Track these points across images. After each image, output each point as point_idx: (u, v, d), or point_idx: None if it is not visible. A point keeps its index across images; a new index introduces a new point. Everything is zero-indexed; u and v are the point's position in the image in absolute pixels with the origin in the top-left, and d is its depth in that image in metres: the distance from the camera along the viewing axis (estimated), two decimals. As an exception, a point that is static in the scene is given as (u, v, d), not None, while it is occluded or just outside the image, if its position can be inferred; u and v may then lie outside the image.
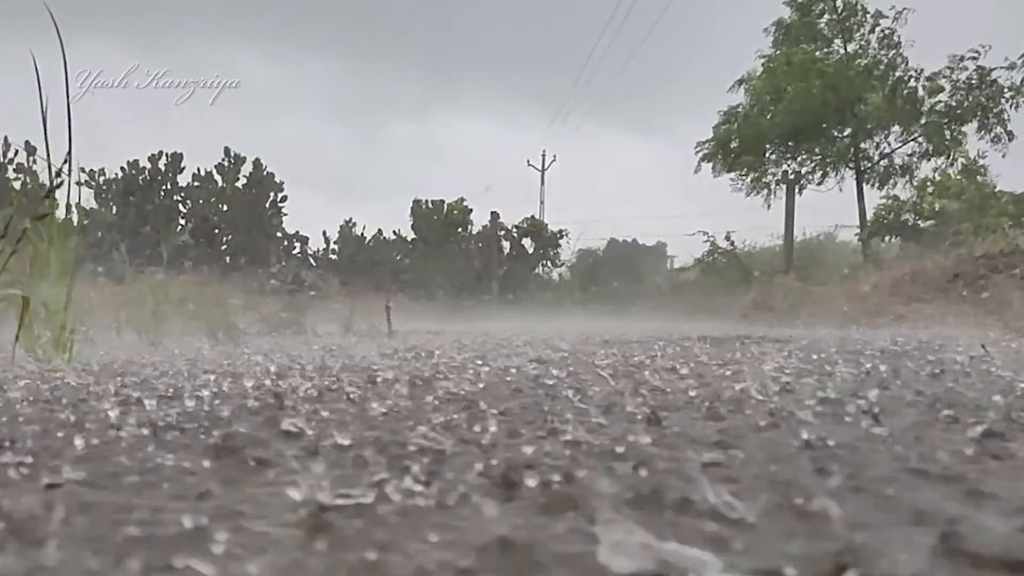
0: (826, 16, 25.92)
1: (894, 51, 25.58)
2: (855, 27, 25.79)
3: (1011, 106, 23.13)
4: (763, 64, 26.10)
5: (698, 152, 27.59)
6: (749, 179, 27.37)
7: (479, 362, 3.60)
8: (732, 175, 27.33)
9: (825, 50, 25.70)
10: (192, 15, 52.19)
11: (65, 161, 3.41)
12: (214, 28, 56.12)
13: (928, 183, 24.17)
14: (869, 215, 25.19)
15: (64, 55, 3.47)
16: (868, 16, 25.69)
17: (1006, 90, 23.04)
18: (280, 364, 3.54)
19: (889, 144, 26.24)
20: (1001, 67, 22.82)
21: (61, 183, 3.37)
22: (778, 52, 25.79)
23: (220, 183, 39.65)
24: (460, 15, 72.13)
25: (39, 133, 3.56)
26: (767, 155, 27.18)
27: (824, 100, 24.94)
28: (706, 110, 54.08)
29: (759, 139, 26.40)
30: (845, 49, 25.85)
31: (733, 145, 26.78)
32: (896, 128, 25.77)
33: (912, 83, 25.20)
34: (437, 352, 4.58)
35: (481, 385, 2.51)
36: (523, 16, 73.12)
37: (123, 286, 9.42)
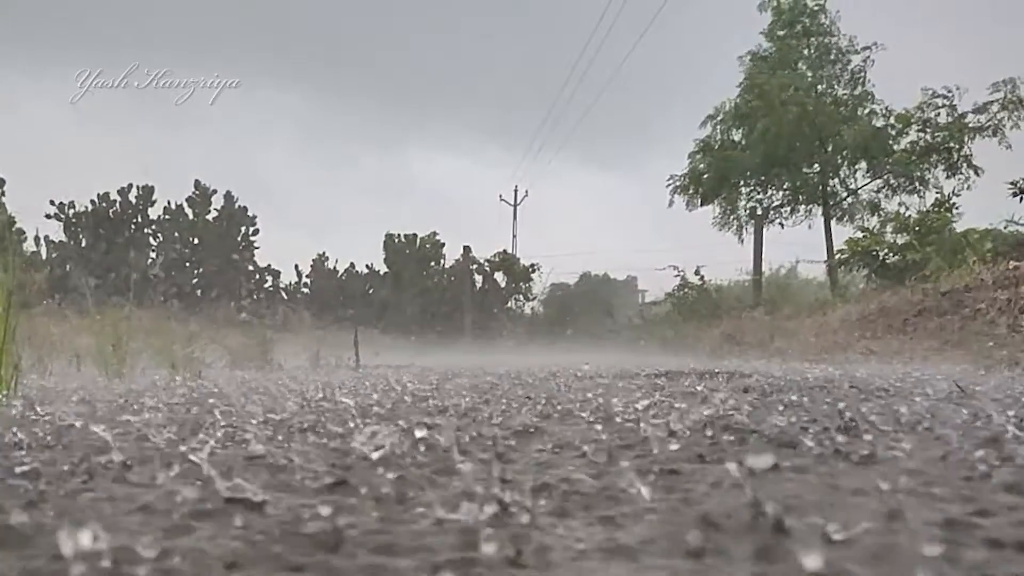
0: (803, 51, 26.30)
1: (862, 88, 26.04)
2: (827, 63, 26.20)
3: (971, 139, 23.43)
4: (741, 85, 26.28)
5: (669, 185, 27.70)
6: (720, 213, 27.58)
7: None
8: (710, 207, 27.49)
9: (798, 86, 25.86)
10: (162, 50, 52.05)
11: None
12: (186, 61, 56.03)
13: (897, 217, 24.12)
14: (837, 248, 25.25)
15: None
16: (841, 53, 26.15)
17: (969, 128, 23.34)
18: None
19: (856, 180, 26.56)
20: (971, 111, 23.21)
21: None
22: (755, 80, 25.94)
23: (191, 216, 39.42)
24: (431, 52, 72.85)
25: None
26: (739, 188, 27.31)
27: (799, 131, 25.13)
28: (677, 146, 54.84)
29: (731, 172, 26.53)
30: (816, 87, 26.19)
31: (705, 177, 26.91)
32: (863, 165, 26.08)
33: (882, 120, 25.61)
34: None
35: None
36: (495, 52, 73.97)
37: (87, 319, 9.26)
